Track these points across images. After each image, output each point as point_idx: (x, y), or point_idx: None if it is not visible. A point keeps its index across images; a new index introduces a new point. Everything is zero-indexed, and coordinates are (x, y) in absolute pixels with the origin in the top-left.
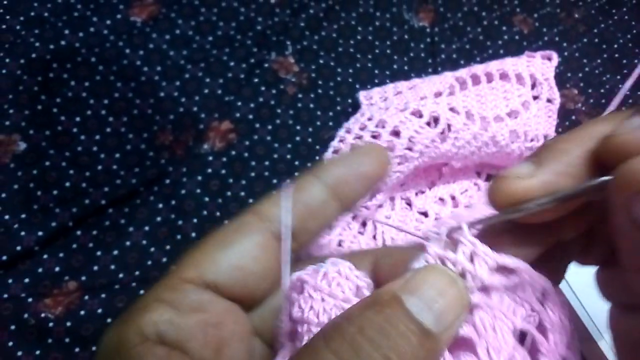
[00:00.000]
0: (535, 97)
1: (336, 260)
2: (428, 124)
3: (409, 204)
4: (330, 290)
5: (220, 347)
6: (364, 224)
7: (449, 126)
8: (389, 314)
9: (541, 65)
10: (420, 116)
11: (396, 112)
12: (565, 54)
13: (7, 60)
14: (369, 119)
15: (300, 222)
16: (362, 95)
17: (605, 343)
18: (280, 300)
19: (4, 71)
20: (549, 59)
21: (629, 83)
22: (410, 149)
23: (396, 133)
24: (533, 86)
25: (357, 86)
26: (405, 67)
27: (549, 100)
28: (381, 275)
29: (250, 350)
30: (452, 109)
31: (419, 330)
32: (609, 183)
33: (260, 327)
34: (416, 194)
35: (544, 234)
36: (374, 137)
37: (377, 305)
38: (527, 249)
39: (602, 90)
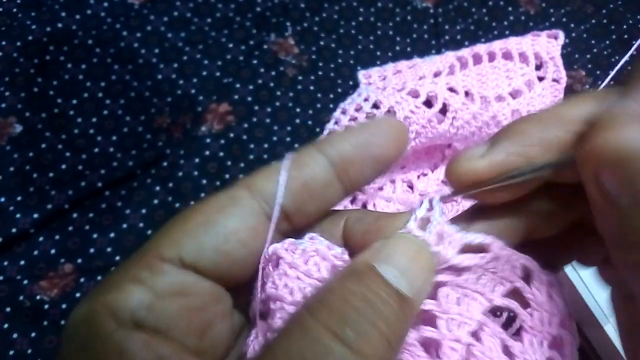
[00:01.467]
0: (540, 79)
1: (315, 237)
2: (426, 104)
3: (411, 186)
4: (307, 269)
5: (204, 330)
6: (364, 206)
7: (446, 106)
8: (369, 283)
9: (546, 44)
10: (417, 96)
11: (393, 92)
12: (573, 35)
13: (4, 42)
14: (365, 100)
15: (297, 203)
16: (361, 75)
17: (612, 327)
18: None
19: (0, 54)
20: (555, 37)
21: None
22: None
23: (392, 113)
24: (539, 67)
25: (359, 68)
26: (408, 49)
27: (555, 80)
28: (352, 240)
29: (234, 327)
30: (450, 89)
31: (397, 296)
32: (577, 162)
33: (242, 302)
34: (418, 176)
35: (518, 215)
36: (368, 118)
37: (356, 276)
38: (506, 229)
39: (610, 72)
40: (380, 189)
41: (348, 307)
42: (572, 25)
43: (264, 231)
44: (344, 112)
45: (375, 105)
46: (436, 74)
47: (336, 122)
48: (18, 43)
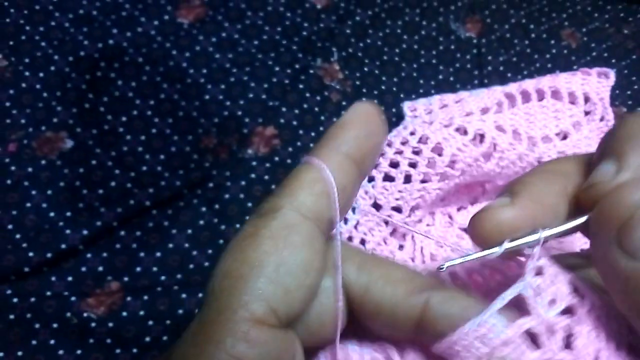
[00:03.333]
0: (587, 113)
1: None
2: (473, 141)
3: (450, 219)
4: None
5: None
6: (386, 222)
7: (494, 145)
8: None
9: (596, 84)
10: (465, 133)
11: (440, 128)
12: (614, 70)
13: (56, 57)
14: (412, 133)
15: (341, 206)
16: (406, 107)
17: None
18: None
19: (52, 68)
20: (605, 75)
21: None
22: (452, 166)
23: (439, 150)
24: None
25: (401, 95)
26: (451, 78)
27: (601, 120)
28: (434, 325)
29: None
30: (498, 127)
31: None
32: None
33: (302, 336)
34: (458, 209)
35: None
36: (415, 152)
37: None
38: None
39: None
40: (419, 221)
41: None
42: (613, 60)
43: (326, 249)
44: (389, 145)
45: (421, 140)
46: (484, 111)
47: (381, 154)
48: (70, 58)
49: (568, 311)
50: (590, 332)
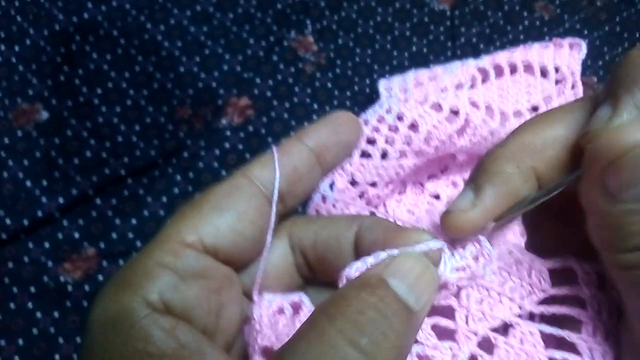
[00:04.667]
0: (557, 82)
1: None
2: (447, 117)
3: (422, 186)
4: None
5: (219, 311)
6: (361, 195)
7: (467, 121)
8: (381, 295)
9: (568, 57)
10: (440, 110)
11: (415, 105)
12: (586, 41)
13: (31, 31)
14: (388, 111)
15: (289, 185)
16: (381, 86)
17: None
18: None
19: (27, 42)
20: (577, 46)
21: None
22: (427, 143)
23: (414, 127)
24: (558, 79)
25: (375, 67)
26: (424, 50)
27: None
28: (361, 246)
29: (243, 311)
30: (472, 103)
31: (405, 310)
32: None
33: (249, 287)
34: (428, 177)
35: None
36: (391, 130)
37: (369, 287)
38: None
39: None
40: (392, 191)
41: (363, 317)
42: (586, 31)
43: (266, 211)
44: (365, 123)
45: (398, 117)
46: (458, 86)
47: None
48: (45, 32)
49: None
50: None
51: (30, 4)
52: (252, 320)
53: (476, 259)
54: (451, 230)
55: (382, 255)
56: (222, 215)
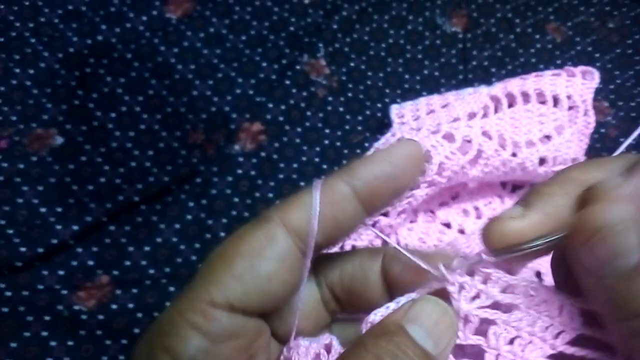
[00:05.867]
0: (570, 108)
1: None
2: (460, 148)
3: (433, 214)
4: None
5: None
6: (373, 224)
7: (479, 152)
8: (398, 342)
9: (580, 86)
10: (453, 140)
11: (428, 135)
12: (597, 64)
13: (45, 54)
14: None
15: (327, 237)
16: (393, 112)
17: None
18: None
19: (42, 65)
20: (590, 74)
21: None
22: (439, 173)
23: (427, 157)
24: (570, 107)
25: (387, 91)
26: (436, 73)
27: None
28: (390, 274)
29: (271, 355)
30: (484, 133)
31: (423, 355)
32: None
33: (276, 328)
34: (439, 204)
35: None
36: None
37: (387, 334)
38: None
39: (632, 104)
40: (404, 220)
41: None
42: (597, 54)
43: (299, 267)
44: None
45: None
46: (470, 116)
47: None
48: (59, 54)
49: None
50: (508, 322)
51: (45, 25)
52: None
53: (485, 282)
54: (495, 238)
55: (402, 300)
56: (253, 276)
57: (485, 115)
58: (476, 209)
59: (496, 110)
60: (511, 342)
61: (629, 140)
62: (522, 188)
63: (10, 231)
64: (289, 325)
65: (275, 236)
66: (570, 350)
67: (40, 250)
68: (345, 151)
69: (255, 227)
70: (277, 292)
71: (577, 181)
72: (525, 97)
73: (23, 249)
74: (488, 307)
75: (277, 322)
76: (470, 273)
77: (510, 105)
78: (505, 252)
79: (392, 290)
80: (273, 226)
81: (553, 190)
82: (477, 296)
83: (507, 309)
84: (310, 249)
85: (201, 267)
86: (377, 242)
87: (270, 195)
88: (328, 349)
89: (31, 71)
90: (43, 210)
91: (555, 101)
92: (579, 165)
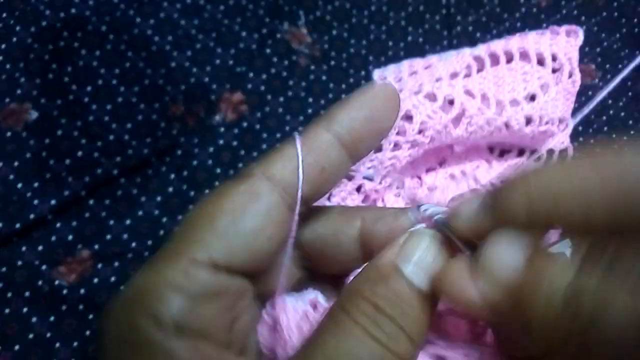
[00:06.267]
0: (554, 70)
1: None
2: (442, 107)
3: (420, 179)
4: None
5: (233, 325)
6: (358, 189)
7: (463, 110)
8: (394, 285)
9: (565, 44)
10: (434, 99)
11: (409, 95)
12: (584, 27)
13: (18, 28)
14: None
15: (315, 188)
16: (376, 75)
17: None
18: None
19: (14, 39)
20: (574, 33)
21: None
22: (422, 133)
23: (408, 117)
24: (555, 68)
25: (371, 58)
26: (420, 40)
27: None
28: (374, 240)
29: (254, 316)
30: (467, 92)
31: (419, 296)
32: None
33: (261, 291)
34: (426, 170)
35: None
36: None
37: (383, 279)
38: None
39: (619, 66)
40: (389, 186)
41: (381, 315)
42: (583, 18)
43: (285, 221)
44: None
45: None
46: (453, 75)
47: None
48: (32, 29)
49: None
50: None
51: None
52: (279, 328)
53: None
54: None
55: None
56: (237, 233)
57: (468, 75)
58: (463, 173)
59: (479, 71)
60: None
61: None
62: (510, 152)
63: None
64: (271, 283)
65: (260, 190)
66: None
67: (18, 226)
68: None
69: (237, 182)
70: (263, 248)
71: None
72: (509, 56)
73: (0, 225)
74: None
75: (260, 280)
76: None
77: (494, 65)
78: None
79: (369, 255)
80: (256, 180)
81: None
82: None
83: None
84: (298, 200)
85: (179, 226)
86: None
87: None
88: (314, 305)
89: (3, 46)
90: (19, 185)
91: (540, 60)
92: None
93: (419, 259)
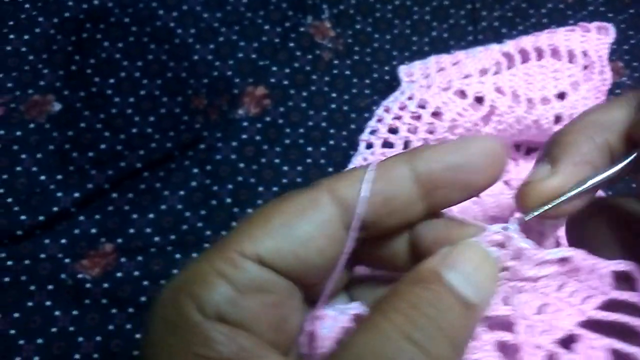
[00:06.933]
0: (584, 67)
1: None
2: (472, 104)
3: None
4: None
5: (280, 324)
6: None
7: (492, 108)
8: (435, 289)
9: (596, 41)
10: (464, 96)
11: (439, 92)
12: (611, 24)
13: (41, 19)
14: (409, 98)
15: (376, 217)
16: (402, 72)
17: None
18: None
19: (37, 30)
20: (605, 30)
21: None
22: (451, 131)
23: (437, 114)
24: (586, 65)
25: (394, 53)
26: (445, 35)
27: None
28: (422, 245)
29: (303, 319)
30: (497, 89)
31: (461, 302)
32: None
33: (310, 297)
34: None
35: None
36: (414, 117)
37: (422, 282)
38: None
39: None
40: None
41: (417, 312)
42: (610, 14)
43: (340, 240)
44: (387, 110)
45: (421, 105)
46: (482, 72)
47: (379, 120)
48: (55, 19)
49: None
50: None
51: None
52: (315, 340)
53: (516, 258)
54: (531, 202)
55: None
56: (287, 236)
57: (497, 71)
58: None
59: (509, 67)
60: (539, 310)
61: None
62: (536, 150)
63: (10, 200)
64: (319, 294)
65: (320, 201)
66: (601, 315)
67: (42, 218)
68: (353, 115)
69: (301, 191)
70: (310, 258)
71: (598, 123)
72: (539, 52)
73: (23, 218)
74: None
75: (310, 289)
76: (502, 245)
77: (524, 62)
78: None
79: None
80: (319, 191)
81: (575, 138)
82: (505, 269)
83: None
84: (355, 220)
85: (238, 222)
86: None
87: (277, 160)
88: (358, 319)
89: (26, 37)
90: (43, 178)
91: (570, 57)
92: (597, 108)
93: (462, 267)
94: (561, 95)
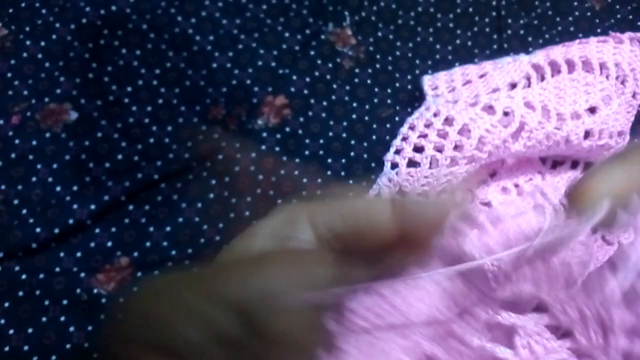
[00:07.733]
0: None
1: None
2: (500, 120)
3: (471, 193)
4: None
5: None
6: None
7: (522, 124)
8: None
9: (629, 53)
10: (493, 112)
11: (465, 107)
12: (639, 33)
13: (57, 25)
14: (435, 115)
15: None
16: (426, 83)
17: None
18: None
19: (54, 37)
20: (638, 41)
21: None
22: (479, 148)
23: (465, 131)
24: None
25: (417, 62)
26: (469, 42)
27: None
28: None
29: None
30: (527, 104)
31: None
32: None
33: None
34: (477, 183)
35: None
36: (440, 135)
37: None
38: None
39: None
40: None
41: None
42: (639, 23)
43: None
44: (412, 128)
45: (448, 121)
46: (511, 86)
47: (404, 139)
48: (72, 26)
49: None
50: None
51: None
52: None
53: None
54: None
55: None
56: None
57: (527, 85)
58: (516, 186)
59: (539, 80)
60: None
61: None
62: (562, 164)
63: (24, 211)
64: None
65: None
66: None
67: (57, 230)
68: (374, 126)
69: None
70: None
71: None
72: (570, 65)
73: (38, 230)
74: None
75: None
76: None
77: (554, 74)
78: None
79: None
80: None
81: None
82: None
83: None
84: None
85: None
86: None
87: (296, 172)
88: None
89: (42, 43)
90: (58, 189)
91: (602, 69)
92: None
93: None
94: (592, 110)
